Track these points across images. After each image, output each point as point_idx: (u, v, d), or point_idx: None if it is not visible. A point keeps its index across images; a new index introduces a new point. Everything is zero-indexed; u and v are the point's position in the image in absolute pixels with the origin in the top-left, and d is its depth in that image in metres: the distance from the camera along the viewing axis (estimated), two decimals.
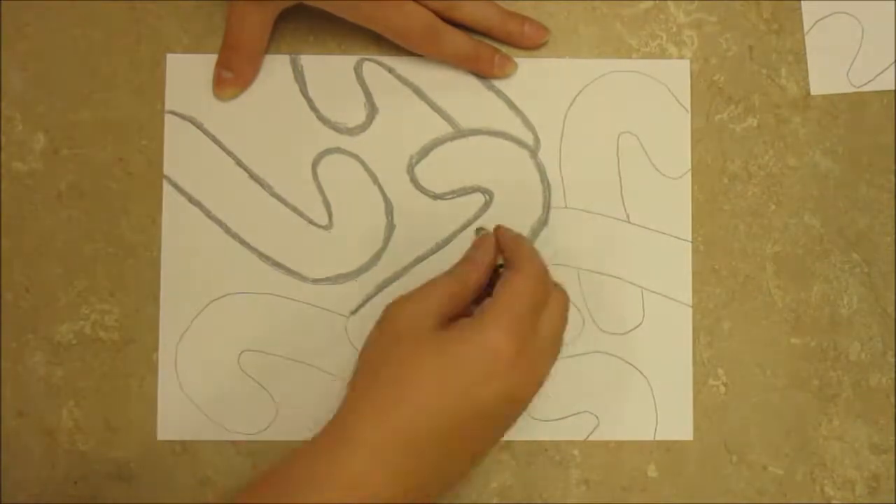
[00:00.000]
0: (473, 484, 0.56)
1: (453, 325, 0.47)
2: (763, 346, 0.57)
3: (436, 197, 0.57)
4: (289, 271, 0.57)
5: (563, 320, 0.49)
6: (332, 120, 0.57)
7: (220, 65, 0.57)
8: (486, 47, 0.57)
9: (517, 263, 0.48)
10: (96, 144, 0.57)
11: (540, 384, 0.48)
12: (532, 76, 0.58)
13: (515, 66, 0.57)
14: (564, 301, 0.50)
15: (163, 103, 0.57)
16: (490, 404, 0.45)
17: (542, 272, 0.49)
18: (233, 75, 0.56)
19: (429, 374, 0.45)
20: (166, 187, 0.57)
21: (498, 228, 0.52)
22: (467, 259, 0.51)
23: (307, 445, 0.45)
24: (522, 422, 0.55)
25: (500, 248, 0.51)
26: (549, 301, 0.48)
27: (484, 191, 0.57)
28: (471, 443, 0.46)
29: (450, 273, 0.50)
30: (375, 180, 0.57)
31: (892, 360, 0.57)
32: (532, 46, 0.58)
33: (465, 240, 0.57)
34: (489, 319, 0.46)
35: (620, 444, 0.57)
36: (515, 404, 0.47)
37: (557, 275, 0.56)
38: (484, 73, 0.57)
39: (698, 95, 0.58)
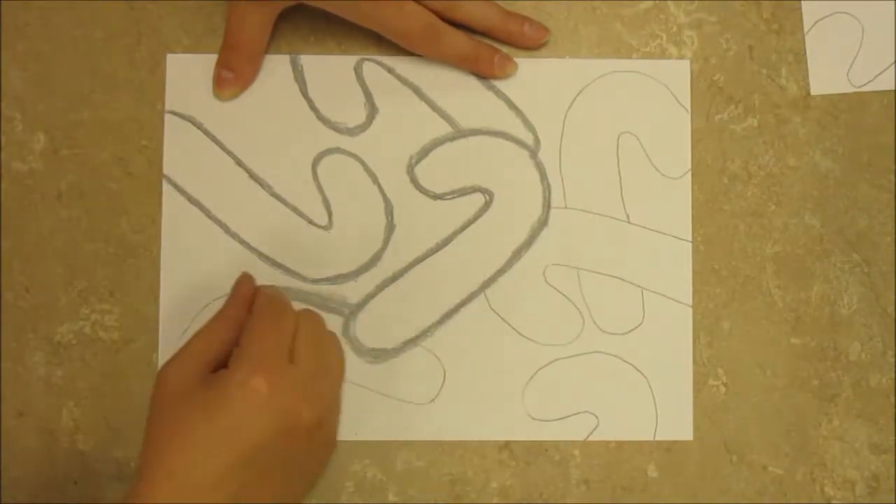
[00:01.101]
0: (473, 484, 0.56)
1: (213, 377, 0.49)
2: (763, 346, 0.57)
3: (436, 197, 0.57)
4: (288, 271, 0.57)
5: (319, 341, 0.52)
6: (332, 120, 0.57)
7: (220, 65, 0.56)
8: (486, 47, 0.57)
9: (255, 308, 0.52)
10: (96, 144, 0.57)
11: (317, 411, 0.50)
12: (532, 76, 0.58)
13: (515, 66, 0.57)
14: (314, 324, 0.52)
15: (163, 103, 0.57)
16: (263, 440, 0.48)
17: (278, 305, 0.52)
18: (233, 75, 0.56)
19: (198, 428, 0.47)
20: (166, 187, 0.57)
21: (252, 279, 0.55)
22: (227, 300, 0.54)
23: None
24: (522, 422, 0.56)
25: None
26: (299, 328, 0.51)
27: (484, 191, 0.57)
28: (265, 481, 0.49)
29: (211, 320, 0.52)
30: (375, 180, 0.57)
31: (892, 360, 0.57)
32: (533, 47, 0.58)
33: (466, 240, 0.57)
34: (236, 365, 0.49)
35: (620, 444, 0.57)
36: (296, 438, 0.49)
37: (557, 275, 0.56)
38: (484, 74, 0.57)
39: (698, 95, 0.58)
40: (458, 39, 0.56)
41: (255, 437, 0.47)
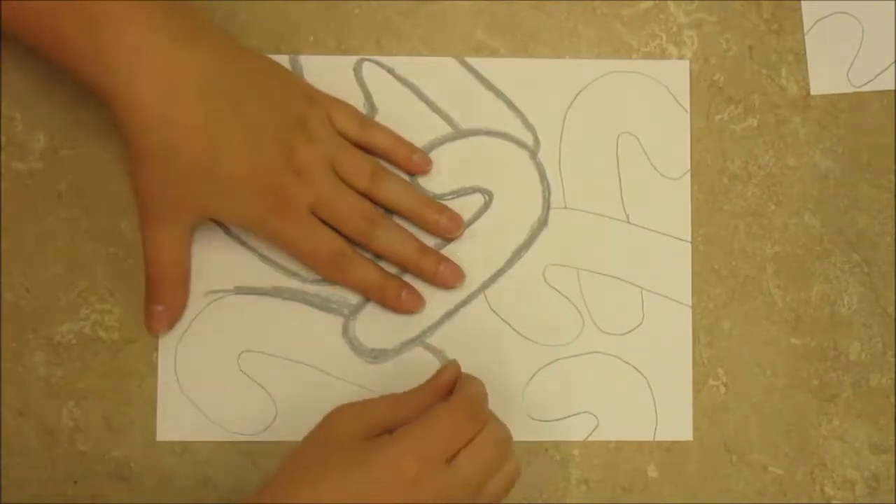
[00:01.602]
0: None
1: (373, 439, 0.48)
2: (763, 346, 0.57)
3: (436, 197, 0.57)
4: (288, 271, 0.57)
5: (489, 459, 0.50)
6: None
7: (150, 300, 0.55)
8: (393, 281, 0.56)
9: (453, 394, 0.51)
10: (96, 144, 0.57)
11: None
12: (532, 76, 0.58)
13: (423, 302, 0.56)
14: (495, 441, 0.50)
15: None
16: None
17: (471, 407, 0.50)
18: (164, 307, 0.55)
19: (331, 474, 0.47)
20: None
21: (458, 370, 0.53)
22: (427, 382, 0.53)
23: None
24: (522, 422, 0.56)
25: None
26: (477, 437, 0.49)
27: (484, 191, 0.57)
28: None
29: (406, 392, 0.52)
30: None
31: (892, 360, 0.57)
32: (444, 286, 0.56)
33: (465, 240, 0.57)
34: (399, 437, 0.48)
35: (620, 444, 0.57)
36: None
37: (557, 275, 0.56)
38: (389, 307, 0.56)
39: (698, 95, 0.58)
40: (367, 270, 0.55)
41: None
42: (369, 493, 0.47)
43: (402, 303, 0.56)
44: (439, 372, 0.53)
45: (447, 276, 0.56)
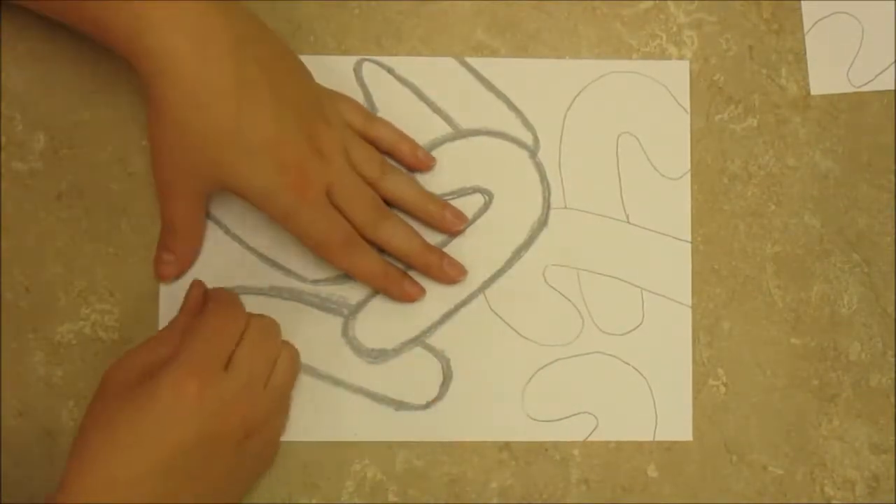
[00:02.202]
0: (473, 484, 0.56)
1: (148, 379, 0.48)
2: (763, 346, 0.57)
3: None
4: (288, 272, 0.57)
5: (264, 349, 0.51)
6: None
7: (160, 247, 0.55)
8: (395, 271, 0.56)
9: (203, 311, 0.51)
10: (96, 144, 0.57)
11: (254, 420, 0.50)
12: (532, 76, 0.58)
13: (424, 293, 0.56)
14: (262, 332, 0.51)
15: None
16: (187, 443, 0.47)
17: (227, 309, 0.51)
18: (173, 257, 0.55)
19: (123, 425, 0.47)
20: None
21: (203, 286, 0.54)
22: (176, 317, 0.53)
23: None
24: (522, 422, 0.56)
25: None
26: (244, 336, 0.50)
27: (483, 191, 0.57)
28: (190, 484, 0.48)
29: (159, 332, 0.53)
30: None
31: (892, 360, 0.57)
32: (446, 283, 0.57)
33: (465, 240, 0.57)
34: (171, 367, 0.48)
35: (620, 444, 0.57)
36: (224, 443, 0.49)
37: (557, 275, 0.56)
38: (390, 296, 0.56)
39: (698, 95, 0.58)
40: (372, 260, 0.55)
41: (179, 440, 0.47)
42: (161, 426, 0.47)
43: (404, 292, 0.56)
44: (186, 295, 0.54)
45: (450, 271, 0.56)
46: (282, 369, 0.53)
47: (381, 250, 0.56)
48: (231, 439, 0.49)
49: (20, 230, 0.56)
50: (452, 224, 0.56)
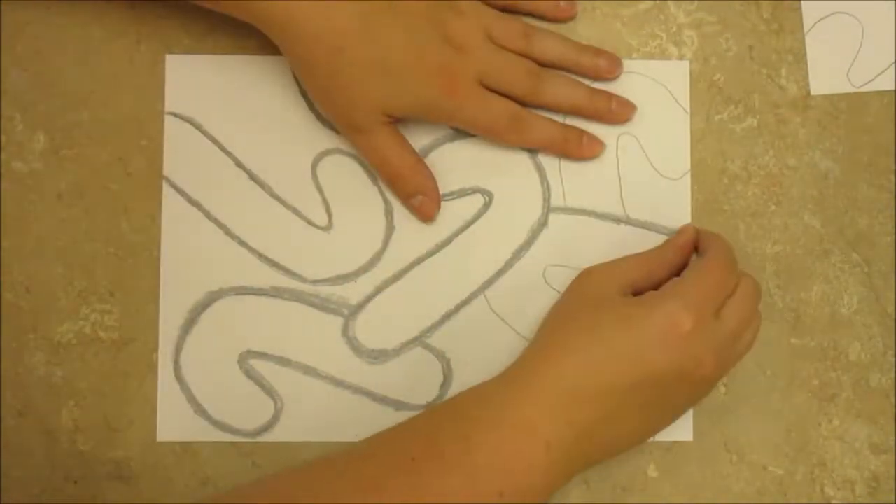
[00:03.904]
0: None
1: (640, 297, 0.51)
2: (763, 346, 0.57)
3: None
4: (288, 272, 0.57)
5: (748, 310, 0.52)
6: (331, 120, 0.57)
7: (404, 197, 0.56)
8: (572, 131, 0.57)
9: (708, 251, 0.53)
10: (96, 144, 0.57)
11: (719, 370, 0.51)
12: None
13: (603, 146, 0.57)
14: (751, 292, 0.52)
15: (163, 103, 0.57)
16: (659, 372, 0.49)
17: (730, 262, 0.53)
18: (422, 196, 0.56)
19: (604, 334, 0.49)
20: (166, 189, 0.57)
21: (696, 230, 0.56)
22: (668, 241, 0.56)
23: (481, 387, 0.50)
24: None
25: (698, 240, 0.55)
26: (737, 291, 0.52)
27: (483, 192, 0.57)
28: (640, 408, 0.50)
29: (649, 251, 0.55)
30: (375, 181, 0.57)
31: (892, 360, 0.57)
32: (619, 122, 0.57)
33: (465, 241, 0.57)
34: (671, 293, 0.50)
35: None
36: (686, 382, 0.50)
37: (557, 275, 0.56)
38: (572, 157, 0.57)
39: (698, 95, 0.58)
40: (545, 126, 0.56)
41: (657, 369, 0.49)
42: (647, 345, 0.49)
43: (585, 149, 0.57)
44: (680, 232, 0.56)
45: (620, 110, 0.57)
46: (753, 331, 0.53)
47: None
48: (699, 382, 0.51)
49: (20, 230, 0.56)
50: (608, 70, 0.57)
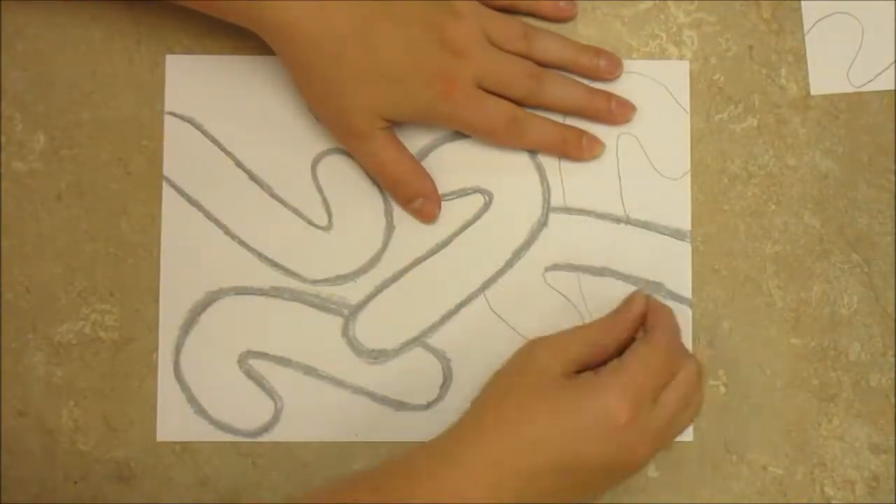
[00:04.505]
0: None
1: (577, 378, 0.50)
2: (763, 346, 0.57)
3: None
4: (288, 272, 0.57)
5: (688, 395, 0.51)
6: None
7: (404, 203, 0.56)
8: (572, 131, 0.56)
9: (654, 332, 0.51)
10: (96, 144, 0.57)
11: (652, 454, 0.50)
12: None
13: (603, 146, 0.57)
14: (693, 376, 0.51)
15: (163, 103, 0.57)
16: (592, 464, 0.48)
17: (674, 346, 0.52)
18: (421, 200, 0.56)
19: (539, 418, 0.48)
20: (166, 188, 0.57)
21: (648, 295, 0.54)
22: (618, 313, 0.54)
23: (414, 457, 0.49)
24: None
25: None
26: (678, 375, 0.51)
27: (483, 192, 0.57)
28: (572, 487, 0.49)
29: (596, 323, 0.54)
30: (375, 181, 0.57)
31: (892, 360, 0.57)
32: (620, 123, 0.57)
33: (465, 241, 0.57)
34: (611, 382, 0.49)
35: None
36: (615, 471, 0.50)
37: (557, 275, 0.56)
38: (572, 158, 0.57)
39: (698, 95, 0.58)
40: (544, 127, 0.56)
41: (591, 459, 0.48)
42: (578, 433, 0.48)
43: (585, 149, 0.56)
44: (628, 303, 0.54)
45: (619, 111, 0.57)
46: (691, 412, 0.52)
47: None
48: (627, 469, 0.50)
49: (20, 230, 0.56)
50: (608, 71, 0.57)
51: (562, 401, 0.48)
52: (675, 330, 0.53)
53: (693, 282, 0.57)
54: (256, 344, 0.56)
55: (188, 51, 0.57)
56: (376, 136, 0.54)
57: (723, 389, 0.57)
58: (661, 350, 0.50)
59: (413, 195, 0.56)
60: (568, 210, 0.57)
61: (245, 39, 0.56)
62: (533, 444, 0.48)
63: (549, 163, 0.57)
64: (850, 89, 0.58)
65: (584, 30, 0.58)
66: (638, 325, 0.53)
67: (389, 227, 0.57)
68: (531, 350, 0.52)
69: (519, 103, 0.55)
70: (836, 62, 0.58)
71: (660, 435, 0.50)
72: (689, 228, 0.57)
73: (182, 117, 0.57)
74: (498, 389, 0.51)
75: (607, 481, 0.51)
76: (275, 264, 0.57)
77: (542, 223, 0.57)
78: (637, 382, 0.49)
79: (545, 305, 0.57)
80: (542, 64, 0.56)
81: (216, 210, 0.57)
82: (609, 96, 0.57)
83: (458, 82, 0.53)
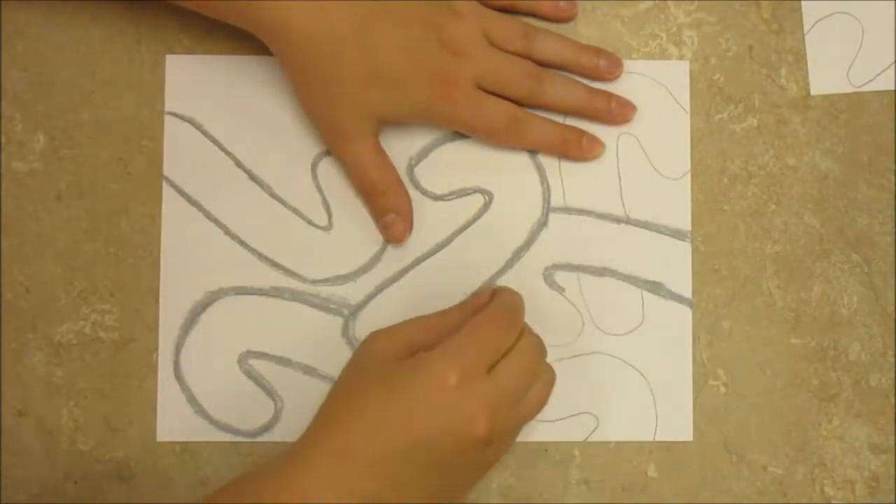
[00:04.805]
0: None
1: (409, 359, 0.49)
2: (763, 346, 0.57)
3: (436, 198, 0.57)
4: (288, 272, 0.57)
5: (527, 368, 0.50)
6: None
7: (378, 214, 0.56)
8: (572, 131, 0.56)
9: (489, 307, 0.51)
10: (96, 144, 0.57)
11: (497, 431, 0.49)
12: None
13: (603, 146, 0.57)
14: (531, 352, 0.51)
15: (163, 103, 0.57)
16: (431, 432, 0.47)
17: (509, 317, 0.51)
18: (395, 215, 0.55)
19: (372, 401, 0.48)
20: (166, 188, 0.57)
21: (498, 288, 0.54)
22: (461, 303, 0.54)
23: (264, 464, 0.49)
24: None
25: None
26: (514, 347, 0.50)
27: (484, 192, 0.57)
28: (420, 473, 0.48)
29: (437, 312, 0.53)
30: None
31: (892, 360, 0.57)
32: (620, 123, 0.57)
33: (466, 241, 0.57)
34: (437, 351, 0.49)
35: (620, 445, 0.57)
36: (462, 443, 0.48)
37: (557, 275, 0.56)
38: (572, 158, 0.57)
39: (698, 95, 0.58)
40: (544, 127, 0.56)
41: (427, 429, 0.47)
42: (412, 406, 0.47)
43: (585, 149, 0.56)
44: (475, 295, 0.54)
45: (620, 111, 0.57)
46: (540, 390, 0.52)
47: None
48: (473, 442, 0.48)
49: (20, 230, 0.56)
50: (608, 71, 0.57)
51: (394, 379, 0.48)
52: (511, 306, 0.52)
53: (693, 282, 0.57)
54: (256, 344, 0.56)
55: (188, 51, 0.57)
56: (364, 139, 0.54)
57: (723, 389, 0.57)
58: (492, 321, 0.50)
59: (387, 208, 0.55)
60: (568, 210, 0.57)
61: (245, 40, 0.56)
62: (373, 426, 0.47)
63: (549, 163, 0.57)
64: (850, 89, 0.58)
65: (584, 30, 0.58)
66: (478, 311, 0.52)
67: None
68: (367, 341, 0.52)
69: (519, 103, 0.55)
70: (836, 62, 0.58)
71: (501, 409, 0.49)
72: (689, 228, 0.57)
73: (182, 117, 0.57)
74: (339, 384, 0.51)
75: (457, 462, 0.49)
76: (275, 264, 0.57)
77: (542, 223, 0.57)
78: (465, 349, 0.48)
79: (545, 305, 0.57)
80: (542, 64, 0.56)
81: (216, 210, 0.57)
82: (609, 96, 0.57)
83: (458, 82, 0.53)
